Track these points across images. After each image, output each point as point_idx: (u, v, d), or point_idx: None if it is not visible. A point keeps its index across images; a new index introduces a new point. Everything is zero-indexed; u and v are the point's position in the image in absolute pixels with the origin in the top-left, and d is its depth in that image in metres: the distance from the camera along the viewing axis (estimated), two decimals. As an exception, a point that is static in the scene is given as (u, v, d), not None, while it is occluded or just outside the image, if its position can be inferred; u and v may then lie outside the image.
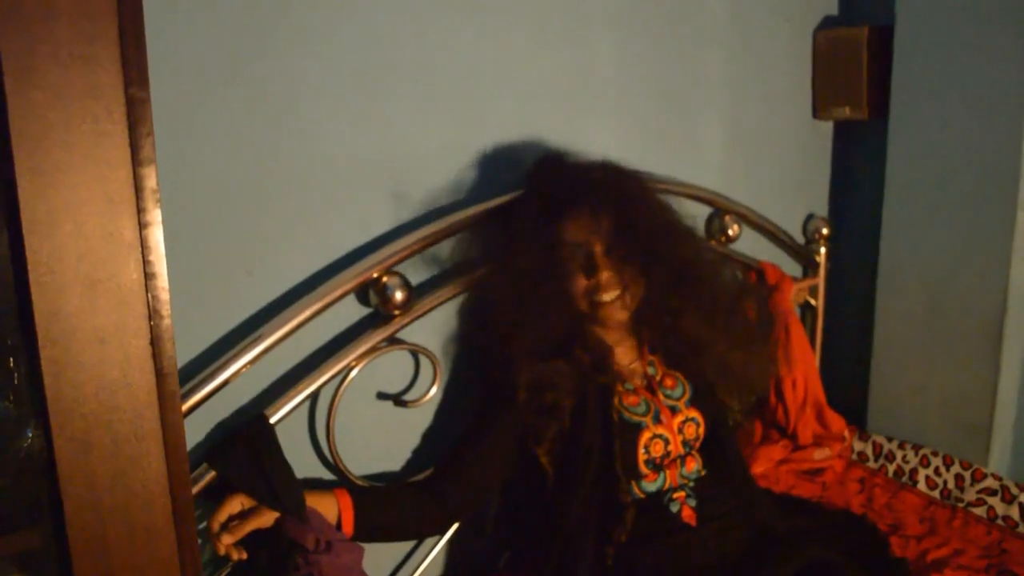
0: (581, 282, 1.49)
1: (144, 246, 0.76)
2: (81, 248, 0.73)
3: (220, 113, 1.35)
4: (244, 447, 1.31)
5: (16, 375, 0.85)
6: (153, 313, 0.78)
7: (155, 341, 0.78)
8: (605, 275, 1.48)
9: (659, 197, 1.62)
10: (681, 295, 1.55)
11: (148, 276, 0.77)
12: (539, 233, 1.51)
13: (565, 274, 1.50)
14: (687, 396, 1.58)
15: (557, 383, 1.46)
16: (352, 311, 1.53)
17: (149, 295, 0.77)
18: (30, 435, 0.85)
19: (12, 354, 0.85)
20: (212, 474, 1.31)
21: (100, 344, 0.75)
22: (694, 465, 1.55)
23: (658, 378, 1.59)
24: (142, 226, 0.76)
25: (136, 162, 0.75)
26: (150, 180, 0.75)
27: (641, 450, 1.50)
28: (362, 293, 1.52)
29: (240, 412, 1.42)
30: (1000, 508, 1.86)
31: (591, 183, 1.52)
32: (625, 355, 1.59)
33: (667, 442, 1.52)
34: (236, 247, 1.40)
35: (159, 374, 0.79)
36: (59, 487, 0.76)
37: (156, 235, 0.77)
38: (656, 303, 1.55)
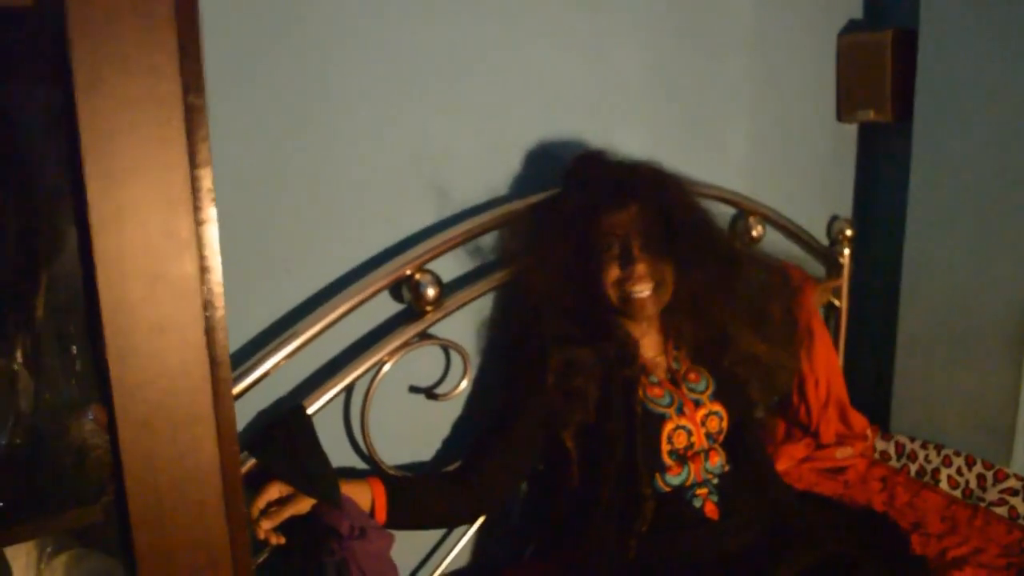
0: (615, 272, 1.53)
1: (200, 243, 0.82)
2: (144, 244, 0.79)
3: (262, 117, 1.41)
4: (283, 437, 1.36)
5: (78, 362, 0.92)
6: (208, 305, 0.83)
7: (209, 331, 0.84)
8: (640, 267, 1.52)
9: (696, 198, 1.67)
10: (712, 292, 1.59)
11: (203, 270, 0.83)
12: (579, 222, 1.56)
13: (601, 263, 1.54)
14: (711, 390, 1.62)
15: (584, 368, 1.51)
16: (386, 307, 1.58)
17: (204, 288, 0.83)
18: (91, 417, 0.92)
19: (74, 342, 0.91)
20: (252, 462, 1.36)
21: (160, 334, 0.81)
22: (718, 459, 1.59)
23: (682, 372, 1.63)
24: (198, 224, 0.82)
25: (193, 164, 0.81)
26: (206, 181, 0.81)
27: (664, 441, 1.54)
28: (395, 290, 1.57)
29: (279, 403, 1.48)
30: (1022, 508, 1.88)
31: (634, 178, 1.58)
32: (650, 348, 1.63)
33: (690, 433, 1.56)
34: (276, 245, 1.47)
35: (213, 362, 0.84)
36: (121, 466, 0.82)
37: (211, 232, 0.83)
38: (686, 299, 1.59)
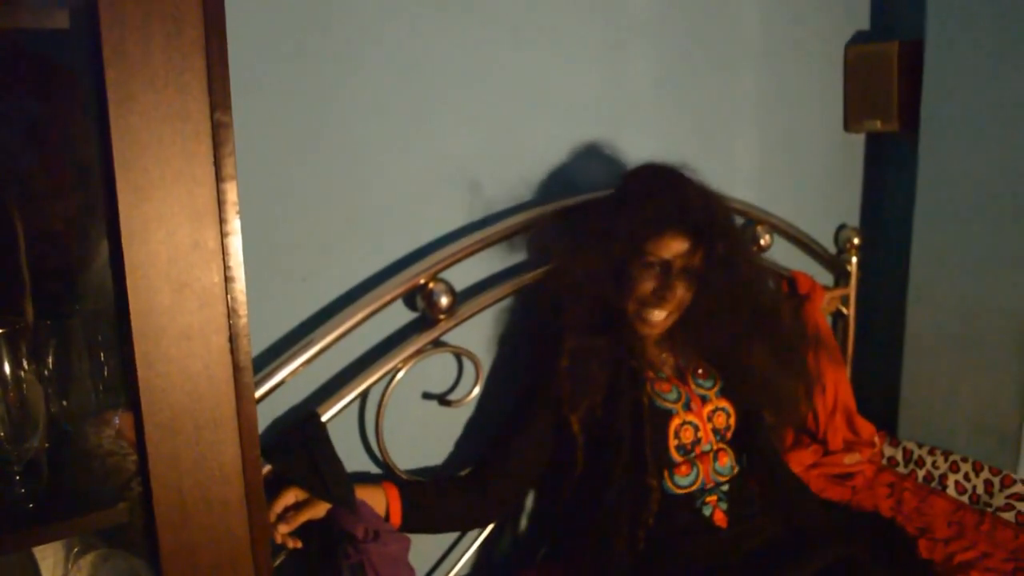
0: (646, 288, 1.55)
1: (225, 253, 0.86)
2: (171, 254, 0.83)
3: (278, 130, 1.45)
4: (298, 443, 1.40)
5: (105, 368, 0.96)
6: (232, 313, 0.87)
7: (233, 338, 0.87)
8: (668, 296, 1.55)
9: (736, 226, 1.70)
10: (737, 339, 1.63)
11: (228, 280, 0.86)
12: (636, 233, 1.55)
13: (635, 275, 1.56)
14: (718, 387, 1.65)
15: (598, 355, 1.54)
16: (400, 316, 1.62)
17: (229, 296, 0.86)
18: (117, 421, 0.95)
19: (103, 349, 0.95)
20: (268, 468, 1.39)
21: (186, 340, 0.85)
22: (727, 460, 1.61)
23: (691, 368, 1.66)
24: (223, 235, 0.86)
25: (219, 179, 0.84)
26: (231, 194, 0.85)
27: (671, 436, 1.56)
28: (410, 299, 1.61)
29: (295, 410, 1.51)
30: (1029, 513, 1.90)
31: (708, 219, 1.57)
32: (655, 347, 1.66)
33: (697, 429, 1.59)
34: (292, 255, 1.50)
35: (236, 368, 0.88)
36: (148, 468, 0.85)
37: (235, 243, 0.86)
38: (702, 323, 1.61)
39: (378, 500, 1.44)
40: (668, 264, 1.55)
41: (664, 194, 1.58)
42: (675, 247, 1.55)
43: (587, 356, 1.54)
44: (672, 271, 1.55)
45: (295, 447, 1.39)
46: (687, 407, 1.60)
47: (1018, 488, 1.94)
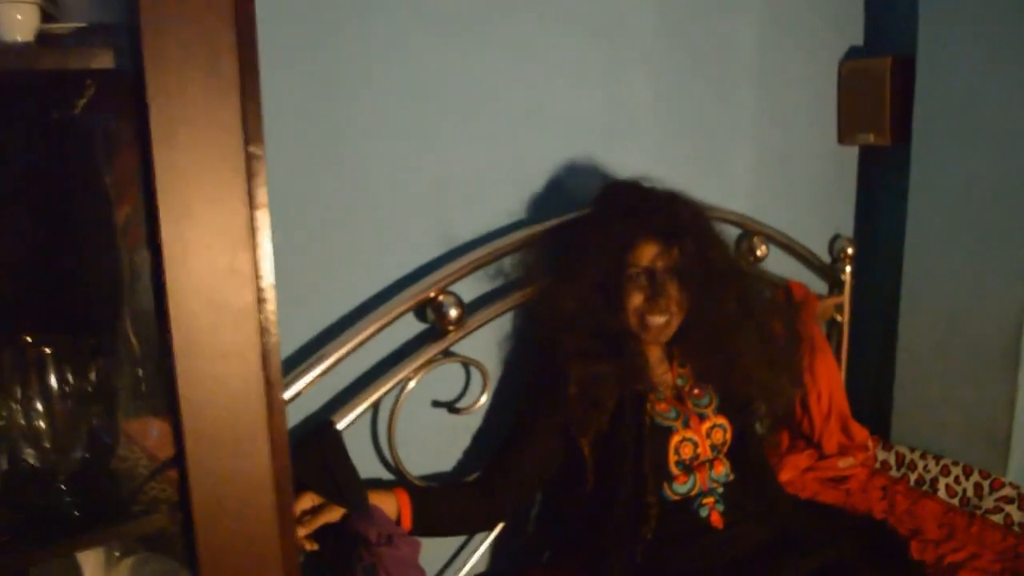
0: (638, 300, 1.62)
1: (258, 276, 0.91)
2: (209, 278, 0.88)
3: (295, 150, 1.51)
4: (314, 450, 1.45)
5: (143, 384, 1.01)
6: (264, 332, 0.93)
7: (265, 355, 0.93)
8: (663, 302, 1.61)
9: (716, 229, 1.76)
10: (727, 327, 1.68)
11: (260, 301, 0.92)
12: (611, 250, 1.63)
13: (625, 289, 1.62)
14: (714, 404, 1.71)
15: (603, 382, 1.60)
16: (410, 327, 1.68)
17: (261, 316, 0.92)
18: (155, 434, 1.01)
19: (141, 365, 1.01)
20: (287, 473, 1.45)
21: (223, 358, 0.90)
22: (723, 469, 1.67)
23: (687, 389, 1.72)
24: (256, 260, 0.91)
25: (252, 207, 0.90)
26: (264, 222, 0.91)
27: (672, 452, 1.62)
28: (420, 311, 1.66)
29: (311, 419, 1.57)
30: (1017, 515, 1.95)
31: (679, 220, 1.65)
32: (657, 367, 1.72)
33: (696, 445, 1.65)
34: (307, 270, 1.56)
35: (268, 384, 0.93)
36: (188, 477, 0.91)
37: (267, 267, 0.92)
38: (699, 328, 1.67)
39: (390, 505, 1.50)
40: (651, 270, 1.61)
41: (627, 208, 1.66)
42: (649, 252, 1.62)
43: (595, 382, 1.60)
44: (657, 275, 1.61)
45: (312, 454, 1.44)
46: (686, 424, 1.66)
47: (1007, 491, 2.00)
